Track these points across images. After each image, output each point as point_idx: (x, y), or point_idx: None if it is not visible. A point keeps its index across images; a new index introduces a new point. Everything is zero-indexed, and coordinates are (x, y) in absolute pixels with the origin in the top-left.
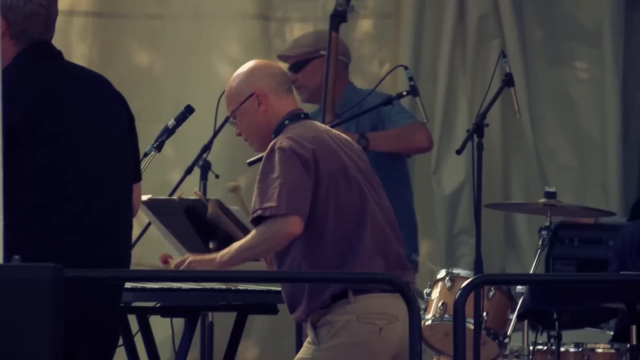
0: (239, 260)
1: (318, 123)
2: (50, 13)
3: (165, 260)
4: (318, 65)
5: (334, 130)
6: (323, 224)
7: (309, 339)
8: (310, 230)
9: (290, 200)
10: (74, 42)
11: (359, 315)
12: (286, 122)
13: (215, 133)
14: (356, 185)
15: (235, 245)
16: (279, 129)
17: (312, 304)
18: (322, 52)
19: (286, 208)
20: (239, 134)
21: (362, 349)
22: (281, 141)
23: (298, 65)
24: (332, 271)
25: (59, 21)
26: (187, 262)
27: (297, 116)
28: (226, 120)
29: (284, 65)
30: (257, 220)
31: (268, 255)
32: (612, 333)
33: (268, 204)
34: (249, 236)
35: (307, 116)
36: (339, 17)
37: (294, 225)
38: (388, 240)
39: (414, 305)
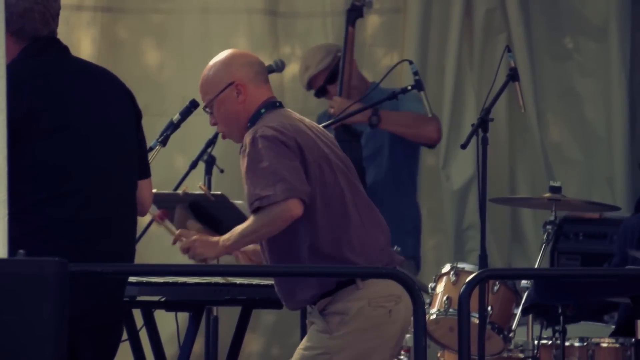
0: (242, 244)
1: (293, 112)
2: (47, 8)
3: (161, 217)
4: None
5: (307, 120)
6: (312, 211)
7: (317, 327)
8: (300, 218)
9: (286, 184)
10: (82, 37)
11: (370, 300)
12: (262, 110)
13: None
14: (340, 171)
15: (237, 229)
16: (255, 118)
17: (312, 291)
18: (339, 54)
19: (283, 193)
20: (215, 124)
21: (375, 333)
22: (262, 130)
23: (333, 76)
24: (336, 265)
25: (67, 16)
26: (192, 239)
27: (272, 105)
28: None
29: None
30: (257, 211)
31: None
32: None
33: (265, 193)
34: (250, 221)
35: (281, 105)
36: (355, 12)
37: (294, 207)
38: (377, 221)
39: (418, 299)
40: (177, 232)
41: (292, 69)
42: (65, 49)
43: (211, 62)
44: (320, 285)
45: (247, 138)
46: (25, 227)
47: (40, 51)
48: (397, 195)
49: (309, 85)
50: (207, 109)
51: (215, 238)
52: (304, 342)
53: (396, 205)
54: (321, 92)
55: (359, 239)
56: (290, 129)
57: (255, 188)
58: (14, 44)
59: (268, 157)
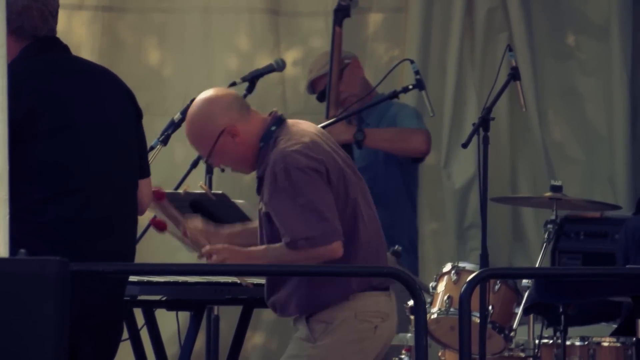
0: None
1: (302, 122)
2: (45, 6)
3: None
4: (351, 72)
5: (313, 125)
6: None
7: (301, 334)
8: None
9: (330, 225)
10: (83, 36)
11: (357, 313)
12: (273, 127)
13: None
14: (351, 184)
15: (272, 253)
16: (267, 137)
17: (306, 307)
18: (346, 61)
19: (329, 237)
20: (223, 170)
21: (357, 346)
22: (292, 158)
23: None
24: (339, 265)
25: (68, 15)
26: (220, 249)
27: (279, 120)
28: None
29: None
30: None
31: None
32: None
33: (310, 233)
34: (290, 253)
35: (283, 117)
36: (342, 12)
37: (338, 249)
38: (379, 233)
39: (419, 299)
40: (207, 249)
41: (294, 68)
42: (65, 49)
43: (191, 116)
44: (310, 303)
45: (277, 167)
46: (26, 227)
47: (41, 51)
48: (393, 214)
49: (311, 88)
50: (209, 161)
51: (246, 251)
52: (287, 351)
53: (392, 223)
54: (323, 96)
55: (363, 256)
56: (315, 150)
57: (298, 225)
58: (14, 42)
59: (305, 192)
